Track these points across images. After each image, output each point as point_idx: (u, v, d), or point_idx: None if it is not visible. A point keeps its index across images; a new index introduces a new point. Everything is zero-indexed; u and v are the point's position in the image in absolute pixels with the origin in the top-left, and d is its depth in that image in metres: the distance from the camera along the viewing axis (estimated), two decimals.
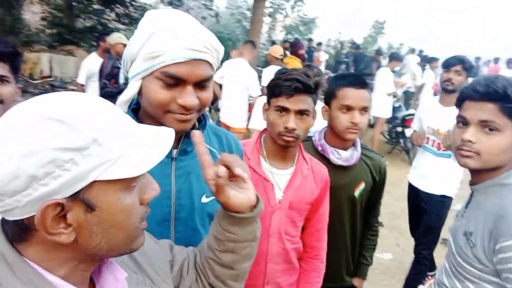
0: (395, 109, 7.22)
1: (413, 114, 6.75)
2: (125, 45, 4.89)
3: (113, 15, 12.52)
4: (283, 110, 1.40)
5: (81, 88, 4.89)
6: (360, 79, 1.67)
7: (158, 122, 1.01)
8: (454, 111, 1.32)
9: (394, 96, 7.82)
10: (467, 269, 1.20)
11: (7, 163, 0.53)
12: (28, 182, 0.54)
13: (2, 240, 0.61)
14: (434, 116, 2.90)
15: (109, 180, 0.58)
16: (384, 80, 6.72)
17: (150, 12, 1.01)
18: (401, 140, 7.06)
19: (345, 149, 1.72)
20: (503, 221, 1.09)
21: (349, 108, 1.62)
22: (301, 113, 1.41)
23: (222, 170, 0.83)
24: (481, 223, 1.15)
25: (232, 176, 0.86)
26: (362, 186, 1.74)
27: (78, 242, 0.60)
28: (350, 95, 1.62)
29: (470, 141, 1.15)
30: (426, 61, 9.53)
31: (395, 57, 7.35)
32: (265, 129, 1.55)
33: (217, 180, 0.83)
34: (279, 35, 18.75)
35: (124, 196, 0.61)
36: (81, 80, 4.94)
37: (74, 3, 11.92)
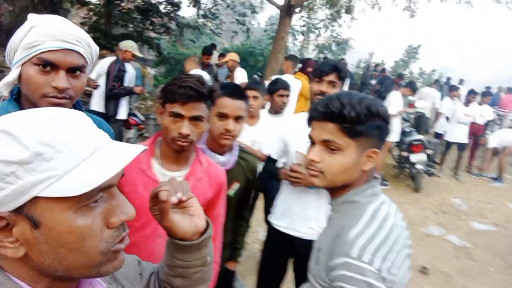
0: (406, 134, 7.12)
1: (420, 140, 6.66)
2: (133, 55, 5.21)
3: (148, 24, 13.06)
4: (178, 116, 1.44)
5: (93, 83, 5.02)
6: (238, 91, 1.78)
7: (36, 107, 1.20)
8: None
9: (407, 121, 7.72)
10: (315, 286, 1.20)
11: None
12: None
13: None
14: (304, 138, 2.39)
15: (54, 198, 0.55)
16: (392, 103, 6.68)
17: (32, 14, 1.19)
18: (407, 165, 6.93)
19: (222, 153, 1.83)
20: (339, 239, 1.10)
21: (224, 116, 1.74)
22: (195, 119, 1.46)
23: (164, 195, 0.81)
24: (327, 240, 1.16)
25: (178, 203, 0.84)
26: (236, 186, 1.85)
27: (32, 259, 0.59)
28: (227, 104, 1.74)
29: (313, 160, 1.17)
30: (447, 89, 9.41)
31: (410, 85, 7.32)
32: (160, 132, 1.61)
33: (160, 206, 0.83)
34: (312, 54, 18.84)
35: (75, 216, 0.57)
36: (92, 76, 5.08)
37: (115, 10, 12.60)
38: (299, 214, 2.20)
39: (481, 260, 4.69)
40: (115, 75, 5.00)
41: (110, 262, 0.63)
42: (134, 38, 12.55)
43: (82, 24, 12.60)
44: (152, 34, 13.12)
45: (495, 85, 14.34)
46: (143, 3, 12.84)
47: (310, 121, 1.22)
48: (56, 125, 0.58)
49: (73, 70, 1.18)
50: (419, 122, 8.52)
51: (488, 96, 8.06)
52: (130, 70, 5.31)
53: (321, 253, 1.17)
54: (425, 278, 4.09)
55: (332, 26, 17.12)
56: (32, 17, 1.17)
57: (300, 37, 18.20)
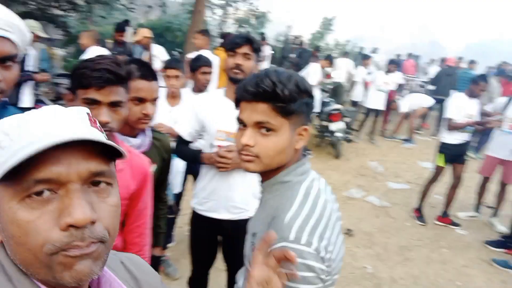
0: (325, 104, 7.39)
1: (338, 109, 6.96)
2: (36, 35, 4.73)
3: (53, 1, 11.93)
4: (94, 102, 1.29)
5: None
6: (152, 71, 1.67)
7: None
8: None
9: (325, 91, 8.02)
10: None
11: None
12: None
13: (1, 250, 0.60)
14: (224, 116, 2.10)
15: (3, 185, 0.54)
16: (311, 75, 6.87)
17: None
18: (327, 134, 7.23)
19: (134, 136, 1.72)
20: (275, 223, 1.06)
21: (141, 100, 1.63)
22: (114, 104, 1.32)
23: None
24: (262, 223, 1.12)
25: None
26: (153, 167, 1.77)
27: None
28: (143, 86, 1.63)
29: (248, 145, 1.09)
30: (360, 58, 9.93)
31: (328, 58, 7.58)
32: None
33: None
34: (231, 28, 18.63)
35: (18, 207, 0.54)
36: None
37: None
38: (225, 196, 2.16)
39: (398, 217, 5.10)
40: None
41: (65, 269, 0.56)
42: (37, 17, 11.41)
43: None
44: (58, 12, 12.01)
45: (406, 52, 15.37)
46: None
47: (239, 102, 1.14)
48: (22, 117, 0.58)
49: (4, 60, 1.02)
50: (336, 92, 8.89)
51: (393, 65, 8.57)
52: (32, 52, 4.82)
53: (256, 238, 1.14)
54: (350, 240, 4.34)
55: None
56: None
57: (219, 11, 17.85)
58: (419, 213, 5.02)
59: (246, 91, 1.08)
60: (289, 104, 1.06)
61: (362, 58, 9.70)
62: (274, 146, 1.09)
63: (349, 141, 7.35)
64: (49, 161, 0.55)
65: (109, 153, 0.62)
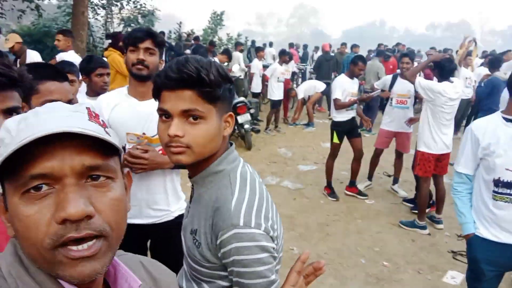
0: None
1: (243, 101, 7.07)
2: None
3: None
4: None
5: None
6: (60, 71, 1.56)
7: None
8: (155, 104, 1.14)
9: None
10: (199, 270, 1.13)
11: None
12: None
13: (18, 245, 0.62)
14: (131, 117, 1.98)
15: (9, 181, 0.57)
16: None
17: None
18: (236, 127, 7.30)
19: None
20: (219, 213, 1.04)
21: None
22: (9, 111, 1.13)
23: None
24: (203, 218, 1.10)
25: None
26: None
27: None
28: (55, 88, 1.50)
29: (177, 135, 1.03)
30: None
31: (225, 52, 7.59)
32: None
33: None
34: (118, 28, 17.70)
35: (19, 202, 0.56)
36: None
37: None
38: (146, 200, 2.04)
39: (313, 196, 5.37)
40: None
41: (67, 267, 0.57)
42: None
43: None
44: None
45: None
46: None
47: (159, 92, 1.07)
48: (25, 115, 0.60)
49: None
50: (237, 86, 9.01)
51: (286, 55, 8.95)
52: None
53: (198, 235, 1.10)
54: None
55: None
56: None
57: (102, 12, 16.80)
58: (329, 190, 5.34)
59: (168, 79, 1.03)
60: (215, 89, 1.04)
61: (256, 51, 9.93)
62: (205, 134, 1.05)
63: (257, 131, 7.51)
64: (42, 156, 0.56)
65: (106, 148, 0.61)
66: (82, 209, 0.56)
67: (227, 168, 1.12)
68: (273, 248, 1.05)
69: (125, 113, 2.01)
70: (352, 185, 5.37)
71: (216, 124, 1.07)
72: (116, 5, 16.31)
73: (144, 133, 2.01)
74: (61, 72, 1.53)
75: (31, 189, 0.56)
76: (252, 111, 7.29)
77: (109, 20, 17.16)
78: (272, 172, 6.26)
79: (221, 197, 1.07)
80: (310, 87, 9.61)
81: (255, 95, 9.47)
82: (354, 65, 4.98)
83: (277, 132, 8.83)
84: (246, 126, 7.01)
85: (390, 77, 5.55)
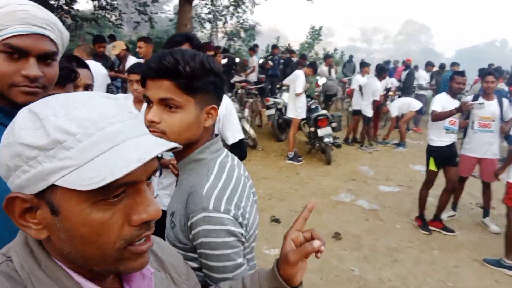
0: (312, 110, 7.34)
1: (324, 115, 6.92)
2: None
3: None
4: None
5: None
6: (79, 59, 1.73)
7: (6, 100, 1.05)
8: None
9: (312, 98, 7.98)
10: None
11: None
12: (6, 171, 0.57)
13: (30, 236, 0.62)
14: None
15: (70, 188, 0.54)
16: (297, 82, 6.82)
17: None
18: (316, 140, 7.16)
19: None
20: (192, 197, 1.08)
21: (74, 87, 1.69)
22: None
23: (318, 244, 0.83)
24: (180, 202, 1.14)
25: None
26: None
27: (54, 244, 0.59)
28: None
29: (154, 121, 1.09)
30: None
31: (311, 65, 7.51)
32: None
33: (304, 249, 0.84)
34: (222, 42, 18.75)
35: (91, 209, 0.56)
36: None
37: None
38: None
39: (388, 219, 4.99)
40: None
41: (130, 261, 0.61)
42: None
43: None
44: None
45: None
46: None
47: (144, 80, 1.13)
48: (88, 113, 0.56)
49: (45, 58, 1.07)
50: (326, 99, 8.85)
51: (385, 71, 8.55)
52: None
53: (174, 217, 1.16)
54: (337, 243, 4.23)
55: (238, 12, 17.14)
56: None
57: (208, 25, 17.97)
58: (421, 222, 4.75)
59: (149, 68, 1.09)
60: (192, 81, 1.07)
61: (360, 66, 9.53)
62: (179, 123, 1.09)
63: (338, 146, 7.27)
64: None
65: None
66: (160, 210, 0.61)
67: (208, 157, 1.17)
68: (241, 234, 1.08)
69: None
70: (436, 219, 4.77)
71: (194, 115, 1.11)
72: (221, 20, 17.28)
73: None
74: (80, 59, 1.72)
75: (111, 197, 0.57)
76: (334, 125, 7.09)
77: (214, 33, 18.27)
78: (348, 189, 5.99)
79: (197, 183, 1.11)
80: (405, 104, 9.05)
81: (356, 112, 8.60)
82: (451, 80, 4.56)
83: (373, 150, 8.46)
84: (326, 139, 6.83)
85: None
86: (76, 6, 12.80)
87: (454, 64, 11.50)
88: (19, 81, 1.03)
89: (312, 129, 7.06)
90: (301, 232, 0.90)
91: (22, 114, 0.57)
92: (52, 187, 0.55)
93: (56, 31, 1.10)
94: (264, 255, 3.85)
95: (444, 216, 4.96)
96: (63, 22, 12.33)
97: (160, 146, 0.60)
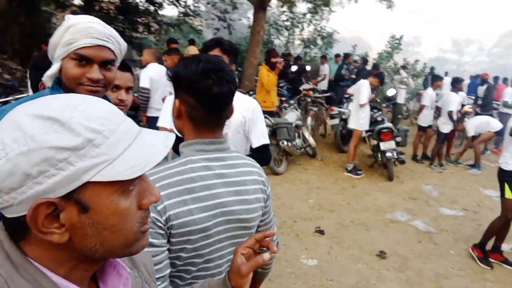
0: (377, 122, 7.13)
1: (389, 128, 6.67)
2: None
3: (127, 24, 13.03)
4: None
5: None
6: (125, 64, 1.88)
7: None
8: None
9: (378, 109, 7.73)
10: None
11: (4, 161, 0.54)
12: (23, 180, 0.55)
13: (6, 238, 0.61)
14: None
15: (103, 182, 0.58)
16: (360, 92, 6.67)
17: (69, 15, 1.37)
18: (378, 154, 6.92)
19: None
20: None
21: (117, 87, 1.86)
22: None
23: (268, 257, 0.95)
24: None
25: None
26: None
27: (73, 243, 0.60)
28: (118, 76, 1.81)
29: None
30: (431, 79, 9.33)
31: (378, 76, 7.26)
32: None
33: (258, 261, 0.95)
34: (298, 49, 18.83)
35: (119, 199, 0.61)
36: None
37: (94, 11, 12.56)
38: None
39: (443, 243, 4.71)
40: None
41: (139, 241, 0.67)
42: None
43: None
44: (134, 34, 13.08)
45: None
46: (123, 4, 12.81)
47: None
48: (101, 112, 0.60)
49: (105, 64, 1.38)
50: (395, 111, 8.49)
51: (459, 84, 8.03)
52: None
53: None
54: (381, 262, 4.10)
55: (316, 20, 17.10)
56: (69, 17, 1.35)
57: (286, 33, 18.16)
58: (482, 254, 4.29)
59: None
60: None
61: (432, 80, 8.97)
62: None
63: (401, 162, 6.96)
64: None
65: None
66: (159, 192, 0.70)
67: (185, 152, 1.24)
68: (157, 219, 1.10)
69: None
70: (496, 250, 4.34)
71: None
72: (298, 27, 17.37)
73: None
74: (126, 64, 1.90)
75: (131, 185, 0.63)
76: (398, 139, 6.81)
77: (291, 41, 18.40)
78: (406, 208, 5.73)
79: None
80: (483, 123, 8.37)
81: (422, 128, 8.31)
82: None
83: (443, 169, 8.01)
84: (389, 154, 6.57)
85: None
86: (162, 12, 13.77)
87: None
88: (84, 81, 1.35)
89: (375, 142, 6.86)
90: (250, 248, 0.99)
91: (29, 121, 0.56)
92: (83, 185, 0.57)
93: (115, 42, 1.39)
94: (301, 264, 3.87)
95: (506, 247, 4.55)
96: (149, 26, 13.31)
97: (169, 137, 0.67)
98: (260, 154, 2.29)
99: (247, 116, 2.33)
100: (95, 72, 1.35)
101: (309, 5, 15.24)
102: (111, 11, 12.90)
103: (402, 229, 5.03)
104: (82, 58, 1.33)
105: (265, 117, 6.10)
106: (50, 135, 0.55)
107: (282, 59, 6.25)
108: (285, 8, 16.04)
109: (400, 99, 9.19)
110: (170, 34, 14.23)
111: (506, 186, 4.08)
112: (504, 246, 4.52)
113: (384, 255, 4.22)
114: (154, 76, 5.01)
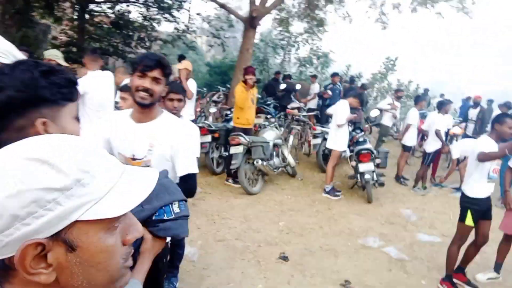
0: (359, 143, 6.99)
1: (367, 149, 6.52)
2: (58, 64, 5.11)
3: (121, 38, 13.08)
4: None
5: None
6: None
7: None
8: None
9: (361, 130, 7.59)
10: None
11: None
12: (10, 222, 0.54)
13: None
14: (125, 139, 2.10)
15: (90, 220, 0.58)
16: (339, 112, 6.55)
17: None
18: (358, 175, 6.75)
19: None
20: None
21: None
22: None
23: None
24: None
25: None
26: None
27: (59, 282, 0.60)
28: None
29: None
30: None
31: (358, 96, 7.12)
32: None
33: None
34: (294, 67, 18.86)
35: (106, 236, 0.61)
36: None
37: (87, 24, 12.61)
38: None
39: (415, 272, 4.50)
40: None
41: (123, 277, 0.67)
42: (109, 53, 12.59)
43: (53, 38, 12.64)
44: (127, 49, 13.10)
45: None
46: (117, 18, 12.88)
47: None
48: (86, 151, 0.61)
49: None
50: (380, 131, 8.33)
51: (446, 107, 7.93)
52: None
53: None
54: None
55: (312, 40, 17.15)
56: None
57: (282, 52, 18.20)
58: (450, 285, 4.13)
59: None
60: None
61: (415, 100, 8.69)
62: None
63: (381, 184, 6.78)
64: None
65: None
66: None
67: None
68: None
69: (121, 134, 2.11)
70: (460, 271, 4.22)
71: None
72: (293, 46, 17.42)
73: (133, 155, 2.09)
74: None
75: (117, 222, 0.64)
76: (378, 161, 6.66)
77: (286, 59, 18.44)
78: (381, 233, 5.51)
79: None
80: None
81: (407, 148, 8.30)
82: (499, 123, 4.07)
83: (426, 192, 7.82)
84: (367, 176, 6.40)
85: None
86: (159, 27, 13.81)
87: None
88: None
89: (354, 163, 6.70)
90: None
91: (16, 163, 0.56)
92: (70, 224, 0.57)
93: (11, 57, 1.38)
94: None
95: (482, 277, 4.35)
96: (144, 41, 13.36)
97: (153, 174, 0.70)
98: (184, 184, 2.08)
99: (174, 142, 2.12)
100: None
101: (305, 25, 15.29)
102: (103, 25, 12.99)
103: (373, 256, 4.82)
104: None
105: (238, 135, 6.05)
106: (39, 177, 0.55)
107: (255, 77, 6.12)
108: (281, 28, 16.11)
109: (387, 121, 9.04)
110: (168, 49, 14.27)
111: (469, 213, 4.02)
112: (480, 277, 4.35)
113: (349, 285, 4.01)
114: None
